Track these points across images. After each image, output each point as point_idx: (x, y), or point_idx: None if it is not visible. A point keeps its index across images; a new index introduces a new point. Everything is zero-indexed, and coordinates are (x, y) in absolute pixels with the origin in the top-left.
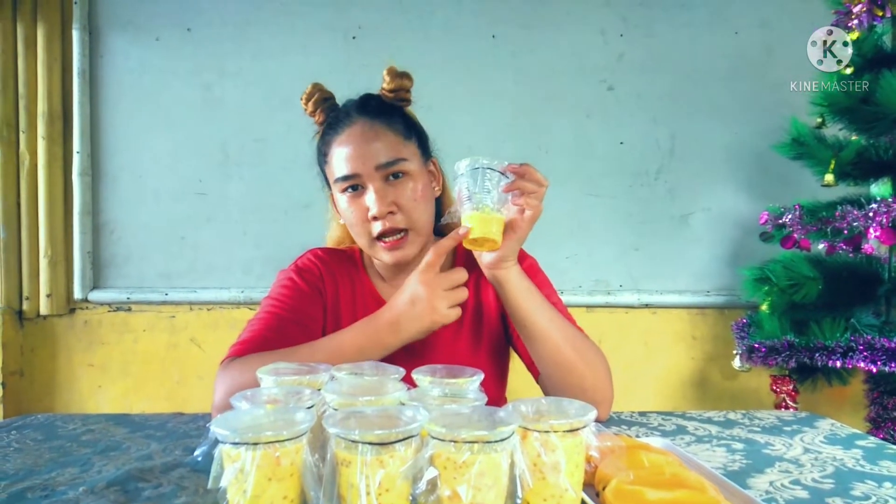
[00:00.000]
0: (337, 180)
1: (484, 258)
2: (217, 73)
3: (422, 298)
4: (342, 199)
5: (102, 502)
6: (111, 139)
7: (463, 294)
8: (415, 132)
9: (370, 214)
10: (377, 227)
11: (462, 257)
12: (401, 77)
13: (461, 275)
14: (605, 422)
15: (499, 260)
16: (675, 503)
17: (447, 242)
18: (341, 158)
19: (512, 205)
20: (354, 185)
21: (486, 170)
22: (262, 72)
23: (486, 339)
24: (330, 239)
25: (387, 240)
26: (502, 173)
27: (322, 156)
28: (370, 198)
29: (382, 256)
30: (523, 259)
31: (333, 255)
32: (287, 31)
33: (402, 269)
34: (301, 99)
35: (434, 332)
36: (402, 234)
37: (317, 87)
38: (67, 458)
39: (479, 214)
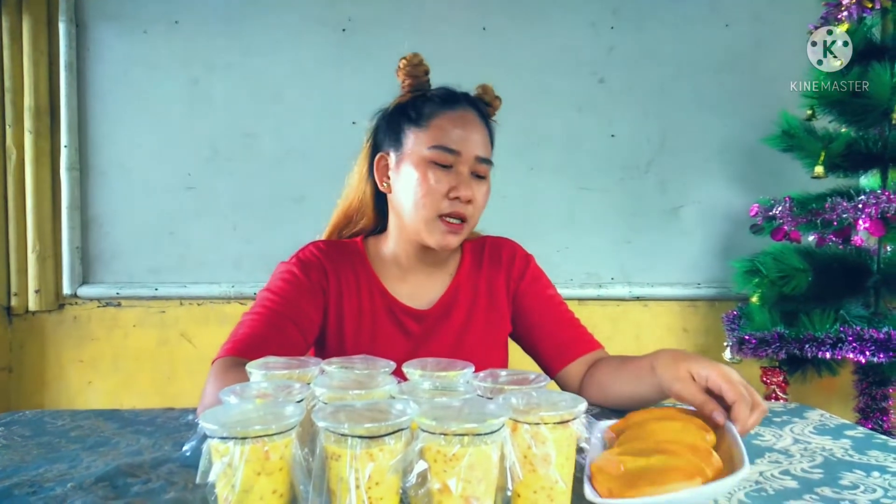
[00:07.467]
0: (435, 147)
1: (673, 388)
2: (206, 66)
3: None
4: (424, 169)
5: (91, 498)
6: (99, 133)
7: None
8: (492, 148)
9: (455, 194)
10: (452, 206)
11: (468, 261)
12: (498, 98)
13: None
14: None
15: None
16: (647, 468)
17: None
18: (451, 131)
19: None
20: (447, 161)
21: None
22: (252, 65)
23: (495, 332)
24: (342, 213)
25: (452, 221)
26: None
27: (418, 117)
28: (465, 181)
29: (437, 235)
30: (527, 265)
31: (336, 248)
32: (276, 24)
33: (422, 261)
34: (403, 58)
35: (446, 322)
36: (462, 222)
37: (419, 56)
38: (56, 454)
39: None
